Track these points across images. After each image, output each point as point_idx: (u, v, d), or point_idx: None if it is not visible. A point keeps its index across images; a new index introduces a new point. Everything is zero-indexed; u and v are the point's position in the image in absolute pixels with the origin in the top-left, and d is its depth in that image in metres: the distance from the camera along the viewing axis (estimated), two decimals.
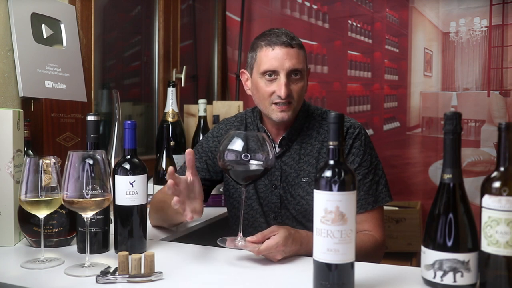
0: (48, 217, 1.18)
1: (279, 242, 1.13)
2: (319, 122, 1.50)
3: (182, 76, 2.53)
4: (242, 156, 1.16)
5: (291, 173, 1.47)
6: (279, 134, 1.50)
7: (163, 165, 1.85)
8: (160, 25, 2.49)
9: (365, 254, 1.29)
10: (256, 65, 1.44)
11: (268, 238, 1.14)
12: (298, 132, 1.49)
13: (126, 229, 1.21)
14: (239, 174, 1.18)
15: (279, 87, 1.38)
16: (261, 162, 1.17)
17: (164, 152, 1.87)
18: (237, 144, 1.17)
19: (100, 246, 1.24)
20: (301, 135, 1.49)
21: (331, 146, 0.94)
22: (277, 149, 1.50)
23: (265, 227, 1.49)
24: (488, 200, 0.91)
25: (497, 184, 0.90)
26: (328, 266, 0.92)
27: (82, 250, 1.23)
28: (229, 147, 1.17)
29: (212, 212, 1.88)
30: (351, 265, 0.93)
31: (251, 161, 1.17)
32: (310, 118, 1.51)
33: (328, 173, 0.92)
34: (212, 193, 1.77)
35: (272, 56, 1.38)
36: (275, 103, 1.40)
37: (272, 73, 1.39)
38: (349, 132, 1.45)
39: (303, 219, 1.45)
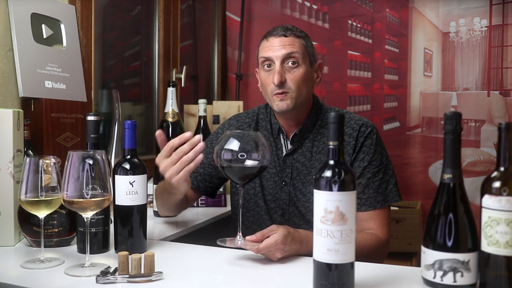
0: (48, 217, 1.18)
1: (278, 240, 1.13)
2: None
3: (182, 76, 2.53)
4: (238, 155, 1.17)
5: (303, 170, 1.48)
6: (291, 131, 1.51)
7: None
8: (160, 25, 2.49)
9: (367, 252, 1.29)
10: (258, 59, 1.49)
11: (268, 237, 1.15)
12: (311, 129, 1.50)
13: (126, 229, 1.21)
14: (235, 173, 1.19)
15: (273, 75, 1.41)
16: (257, 162, 1.18)
17: None
18: (234, 144, 1.18)
19: (100, 246, 1.24)
20: (313, 133, 1.50)
21: (331, 146, 0.94)
22: (289, 146, 1.51)
23: (269, 224, 1.49)
24: (488, 200, 0.91)
25: (497, 184, 0.90)
26: (328, 266, 0.92)
27: (82, 250, 1.23)
28: (226, 146, 1.18)
29: (212, 212, 1.88)
30: (351, 265, 0.93)
31: (247, 161, 1.18)
32: (323, 117, 1.52)
33: (328, 173, 0.92)
34: None
35: (267, 46, 1.44)
36: (275, 94, 1.42)
37: (268, 62, 1.43)
38: (361, 131, 1.46)
39: (311, 217, 1.44)
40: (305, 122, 1.49)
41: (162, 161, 1.24)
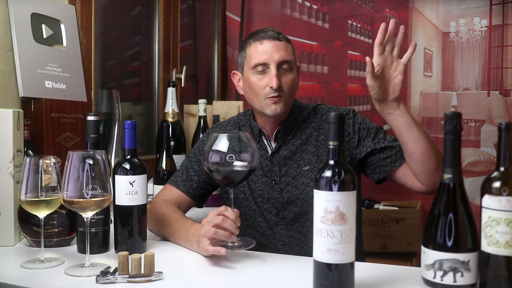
0: (48, 217, 1.18)
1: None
2: (313, 116, 1.54)
3: (182, 76, 2.53)
4: (227, 157, 1.15)
5: (292, 164, 1.49)
6: (273, 130, 1.51)
7: (163, 165, 1.85)
8: (160, 25, 2.49)
9: (436, 148, 1.32)
10: (247, 62, 1.47)
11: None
12: (293, 125, 1.52)
13: (126, 229, 1.21)
14: (225, 175, 1.17)
15: (270, 79, 1.41)
16: (246, 163, 1.15)
17: (164, 152, 1.87)
18: (222, 145, 1.15)
19: (100, 246, 1.24)
20: (296, 128, 1.52)
21: (331, 146, 0.94)
22: (273, 145, 1.51)
23: (264, 225, 1.50)
24: (488, 200, 0.91)
25: (497, 184, 0.90)
26: (328, 266, 0.92)
27: (82, 250, 1.23)
28: (214, 147, 1.15)
29: None
30: (351, 265, 0.93)
31: (236, 162, 1.15)
32: (304, 112, 1.55)
33: (328, 173, 0.92)
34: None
35: (261, 50, 1.43)
36: (269, 97, 1.42)
37: (262, 67, 1.43)
38: (347, 116, 1.49)
39: (308, 208, 1.44)
40: (287, 119, 1.50)
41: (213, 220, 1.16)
